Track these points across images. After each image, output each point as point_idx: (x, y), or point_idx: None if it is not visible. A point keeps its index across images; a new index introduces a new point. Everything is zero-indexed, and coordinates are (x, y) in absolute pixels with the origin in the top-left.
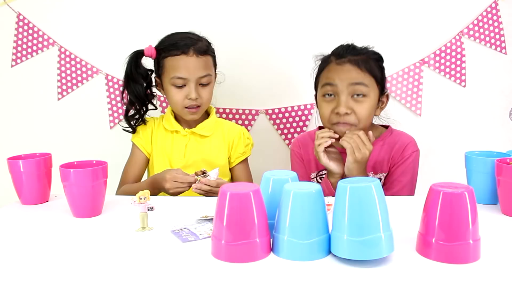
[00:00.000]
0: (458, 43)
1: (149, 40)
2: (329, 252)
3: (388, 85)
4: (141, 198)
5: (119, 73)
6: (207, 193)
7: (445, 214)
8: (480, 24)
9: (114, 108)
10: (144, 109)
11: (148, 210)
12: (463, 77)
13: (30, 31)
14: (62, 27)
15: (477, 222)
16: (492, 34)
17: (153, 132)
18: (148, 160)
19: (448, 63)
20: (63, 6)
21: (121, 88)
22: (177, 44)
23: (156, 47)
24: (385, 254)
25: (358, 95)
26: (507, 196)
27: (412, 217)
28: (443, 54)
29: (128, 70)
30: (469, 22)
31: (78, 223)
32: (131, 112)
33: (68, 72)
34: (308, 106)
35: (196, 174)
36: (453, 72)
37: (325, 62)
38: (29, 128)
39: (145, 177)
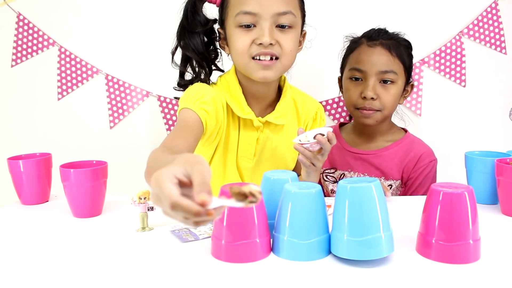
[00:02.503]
0: (458, 43)
1: (150, 40)
2: (329, 252)
3: None
4: (141, 198)
5: (119, 73)
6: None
7: (445, 214)
8: (480, 24)
9: (114, 108)
10: (206, 71)
11: (148, 210)
12: (463, 77)
13: (30, 31)
14: (62, 27)
15: (477, 222)
16: (492, 34)
17: (217, 110)
18: (201, 134)
19: (448, 63)
20: (63, 6)
21: (174, 45)
22: None
23: None
24: (385, 254)
25: (385, 81)
26: (507, 196)
27: (412, 217)
28: (443, 54)
29: (184, 18)
30: (469, 22)
31: (78, 223)
32: (187, 79)
33: (68, 72)
34: None
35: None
36: (453, 72)
37: (355, 43)
38: (29, 128)
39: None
